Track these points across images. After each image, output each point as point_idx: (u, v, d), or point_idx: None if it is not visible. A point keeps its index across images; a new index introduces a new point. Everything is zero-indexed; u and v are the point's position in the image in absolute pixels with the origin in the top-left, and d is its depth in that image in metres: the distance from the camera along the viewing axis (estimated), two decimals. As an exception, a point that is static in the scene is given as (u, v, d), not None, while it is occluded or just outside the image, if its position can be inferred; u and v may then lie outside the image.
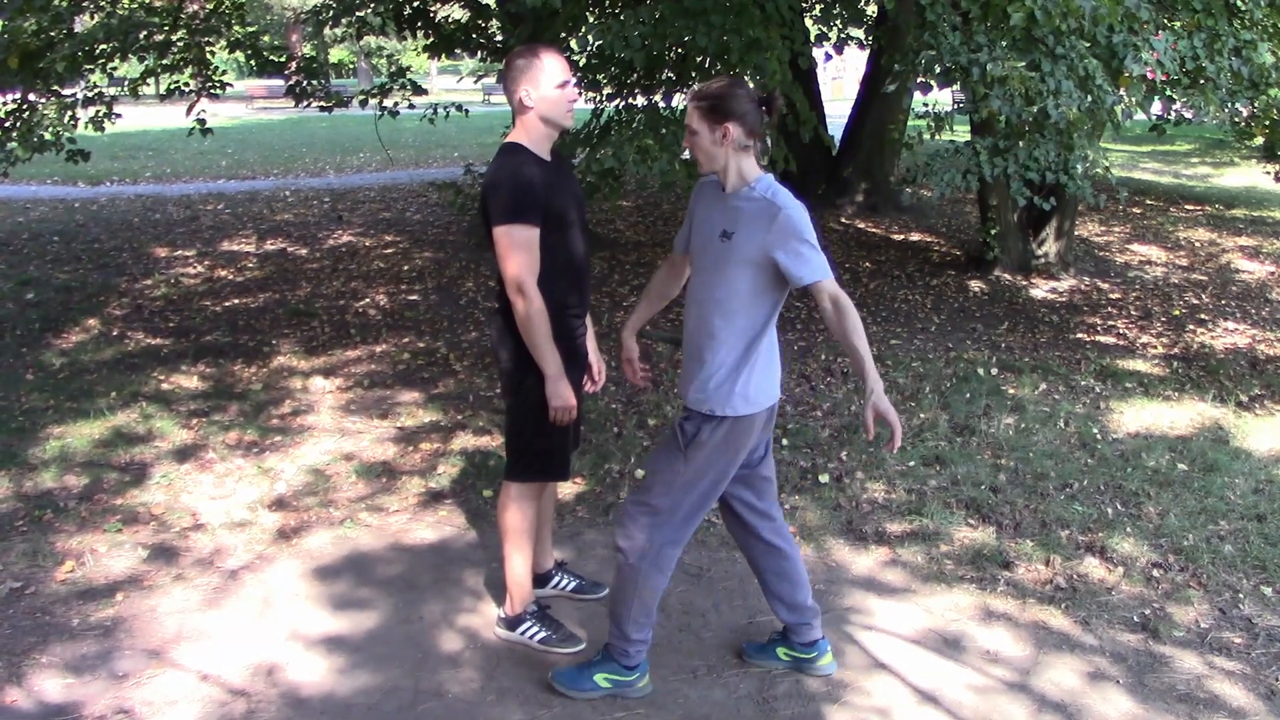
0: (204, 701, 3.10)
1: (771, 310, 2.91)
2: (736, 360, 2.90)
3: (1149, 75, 5.12)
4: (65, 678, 3.20)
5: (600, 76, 7.03)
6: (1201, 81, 5.74)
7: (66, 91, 7.77)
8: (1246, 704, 3.21)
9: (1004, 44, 4.94)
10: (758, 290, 2.86)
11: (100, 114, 7.73)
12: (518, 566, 3.37)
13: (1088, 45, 4.98)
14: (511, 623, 3.43)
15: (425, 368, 6.24)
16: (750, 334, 2.90)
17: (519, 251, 3.00)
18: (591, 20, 6.95)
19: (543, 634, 3.39)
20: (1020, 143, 5.48)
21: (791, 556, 3.22)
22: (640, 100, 7.10)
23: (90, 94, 7.90)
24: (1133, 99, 5.30)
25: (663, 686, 3.23)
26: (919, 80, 5.76)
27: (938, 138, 6.11)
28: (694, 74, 6.66)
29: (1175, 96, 6.45)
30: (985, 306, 7.96)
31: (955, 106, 6.06)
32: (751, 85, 2.90)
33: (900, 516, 4.40)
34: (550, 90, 3.04)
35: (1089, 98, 4.97)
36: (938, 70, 5.41)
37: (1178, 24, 5.77)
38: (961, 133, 6.62)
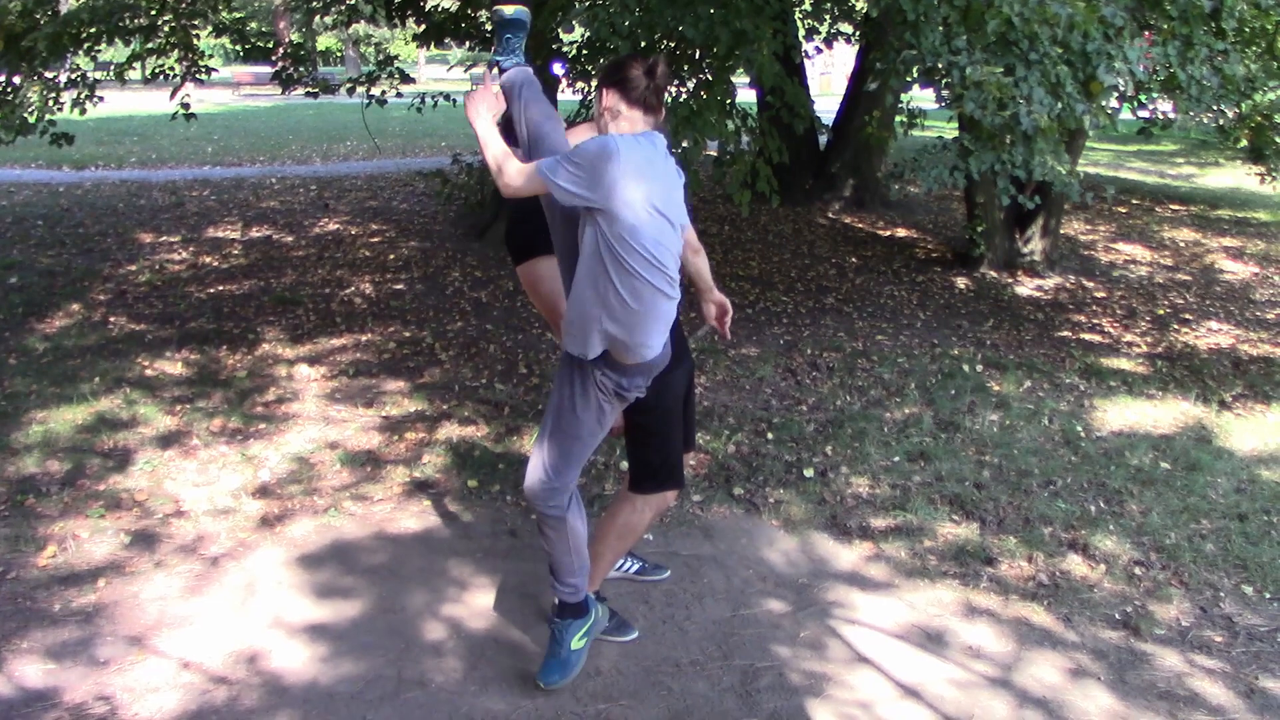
0: (185, 689, 3.09)
1: (604, 254, 2.68)
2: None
3: (1119, 86, 5.13)
4: (45, 664, 3.18)
5: (590, 68, 7.01)
6: (1176, 90, 5.76)
7: (50, 74, 7.70)
8: (1226, 701, 3.24)
9: (980, 49, 4.95)
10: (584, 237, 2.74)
11: (82, 96, 7.67)
12: (609, 559, 3.45)
13: (1060, 51, 4.99)
14: None
15: (411, 357, 6.22)
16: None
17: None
18: (578, 6, 6.92)
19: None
20: (990, 145, 5.48)
21: None
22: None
23: (74, 76, 7.84)
24: (1102, 105, 5.31)
25: (646, 679, 3.23)
26: (904, 79, 5.76)
27: (912, 134, 6.10)
28: (685, 65, 6.65)
29: (1145, 101, 6.46)
30: (971, 303, 7.98)
31: (940, 104, 6.08)
32: (648, 58, 2.84)
33: (884, 511, 4.41)
34: None
35: (1059, 105, 4.98)
36: (918, 70, 5.41)
37: (1164, 26, 5.77)
38: (949, 128, 6.63)
